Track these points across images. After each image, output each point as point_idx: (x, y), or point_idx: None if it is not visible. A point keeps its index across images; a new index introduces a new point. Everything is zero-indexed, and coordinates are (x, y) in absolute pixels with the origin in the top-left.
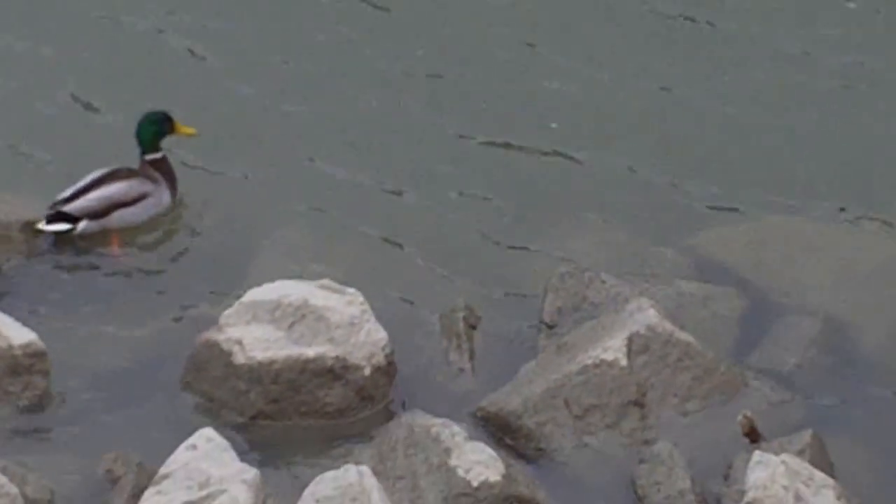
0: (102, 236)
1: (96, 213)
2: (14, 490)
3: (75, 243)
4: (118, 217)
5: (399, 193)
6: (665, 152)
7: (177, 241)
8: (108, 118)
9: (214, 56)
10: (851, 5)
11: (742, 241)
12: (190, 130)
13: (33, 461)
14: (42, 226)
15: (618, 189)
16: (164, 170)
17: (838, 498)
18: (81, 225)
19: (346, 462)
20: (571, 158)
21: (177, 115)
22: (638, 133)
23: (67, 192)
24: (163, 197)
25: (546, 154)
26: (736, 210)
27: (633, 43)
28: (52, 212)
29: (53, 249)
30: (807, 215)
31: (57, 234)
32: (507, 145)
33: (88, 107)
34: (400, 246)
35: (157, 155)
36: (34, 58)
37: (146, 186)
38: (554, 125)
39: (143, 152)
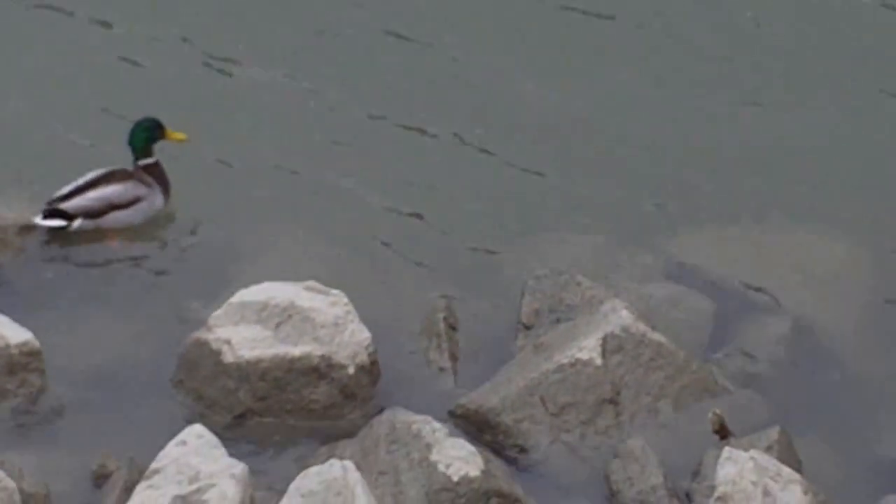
0: (95, 235)
1: (92, 213)
2: (11, 484)
3: (68, 240)
4: (113, 218)
5: (382, 199)
6: (639, 162)
7: (168, 243)
8: (97, 123)
9: (200, 57)
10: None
11: (712, 246)
12: (180, 136)
13: (29, 457)
14: (38, 220)
15: (593, 196)
16: (156, 174)
17: (805, 493)
18: (77, 223)
19: (331, 457)
20: (548, 166)
21: (167, 120)
22: (614, 143)
23: (65, 190)
24: (156, 200)
25: (524, 162)
26: (706, 218)
27: (607, 55)
28: (49, 208)
29: (47, 246)
30: (771, 223)
31: (52, 229)
32: (486, 152)
33: (76, 111)
34: (383, 249)
35: (150, 160)
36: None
37: (140, 190)
38: (519, 133)
39: (137, 158)
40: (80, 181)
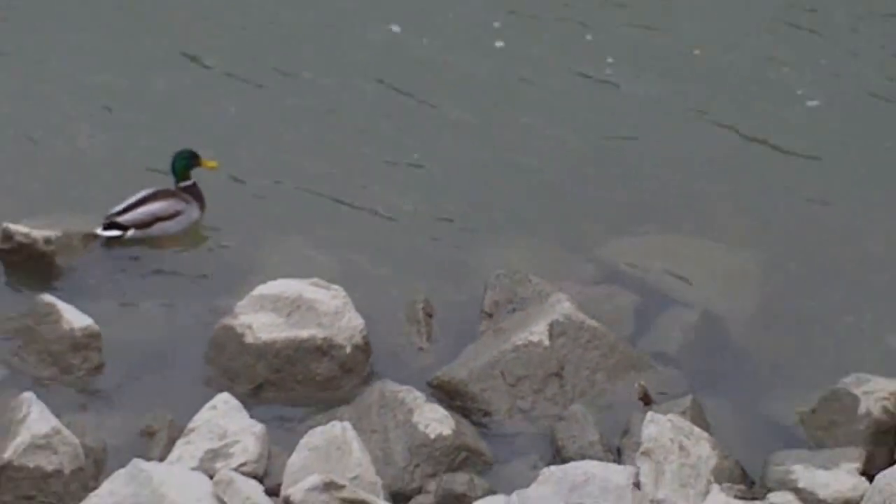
0: (144, 242)
1: (142, 224)
2: (76, 440)
3: (123, 246)
4: (158, 228)
5: (371, 210)
6: (581, 182)
7: (202, 248)
8: (134, 149)
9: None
10: None
11: (635, 252)
12: (212, 164)
13: (90, 418)
14: (99, 231)
15: (543, 206)
16: (194, 193)
17: (713, 448)
18: (129, 233)
19: (332, 419)
20: (510, 178)
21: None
22: (564, 156)
23: (120, 207)
24: (193, 214)
25: (490, 174)
26: (631, 228)
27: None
28: (107, 221)
29: (105, 251)
30: (682, 232)
31: (110, 238)
32: (459, 168)
33: (129, 138)
34: (373, 253)
35: (188, 182)
36: None
37: (180, 206)
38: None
39: (177, 181)
40: (132, 199)
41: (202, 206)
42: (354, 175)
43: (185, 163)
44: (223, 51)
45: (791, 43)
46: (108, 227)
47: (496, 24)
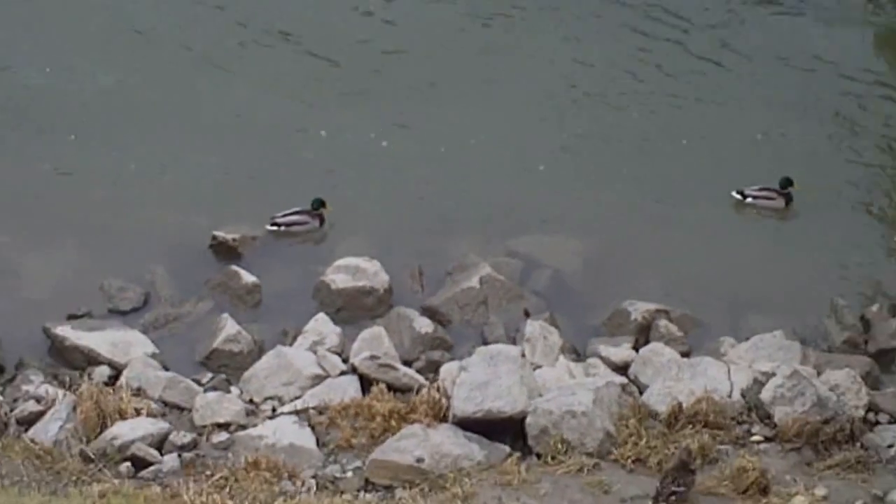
0: (288, 234)
1: (290, 224)
2: (249, 337)
3: (278, 237)
4: (297, 228)
5: (391, 222)
6: (505, 179)
7: (316, 242)
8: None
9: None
10: None
11: (529, 243)
12: (329, 209)
13: (256, 326)
14: (267, 227)
15: (479, 213)
16: (319, 215)
17: (560, 336)
18: (283, 228)
19: (374, 325)
20: (452, 183)
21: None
22: (496, 161)
23: (279, 214)
24: (316, 224)
25: (443, 179)
26: (524, 228)
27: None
28: (271, 221)
29: (267, 240)
30: (551, 231)
31: (271, 231)
32: (437, 186)
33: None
34: (389, 244)
35: (318, 211)
36: None
37: (309, 218)
38: (442, 149)
39: (313, 209)
40: (286, 211)
41: (322, 222)
42: (368, 179)
43: (317, 204)
44: None
45: None
46: (272, 224)
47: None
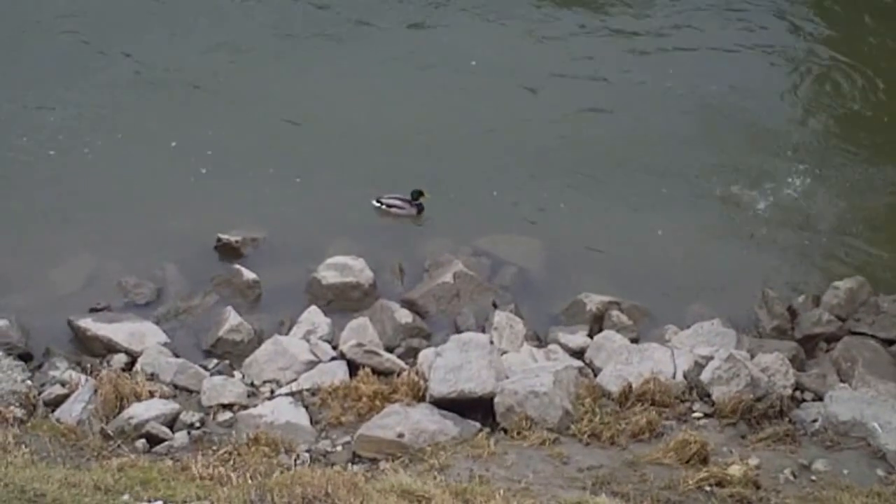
0: (387, 214)
1: (391, 206)
2: (249, 327)
3: (379, 214)
4: (395, 211)
5: (379, 227)
6: (479, 176)
7: (415, 227)
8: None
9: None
10: None
11: (497, 242)
12: (427, 196)
13: (255, 317)
14: (374, 202)
15: (455, 215)
16: (418, 205)
17: (524, 326)
18: (384, 208)
19: (360, 316)
20: (429, 186)
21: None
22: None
23: (385, 196)
24: (413, 212)
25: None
26: (489, 228)
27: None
28: (377, 198)
29: (267, 240)
30: (515, 232)
31: (376, 207)
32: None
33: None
34: (374, 244)
35: (418, 200)
36: None
37: (408, 206)
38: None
39: (412, 199)
40: (391, 194)
41: (420, 211)
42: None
43: (416, 193)
44: None
45: None
46: (377, 201)
47: None
